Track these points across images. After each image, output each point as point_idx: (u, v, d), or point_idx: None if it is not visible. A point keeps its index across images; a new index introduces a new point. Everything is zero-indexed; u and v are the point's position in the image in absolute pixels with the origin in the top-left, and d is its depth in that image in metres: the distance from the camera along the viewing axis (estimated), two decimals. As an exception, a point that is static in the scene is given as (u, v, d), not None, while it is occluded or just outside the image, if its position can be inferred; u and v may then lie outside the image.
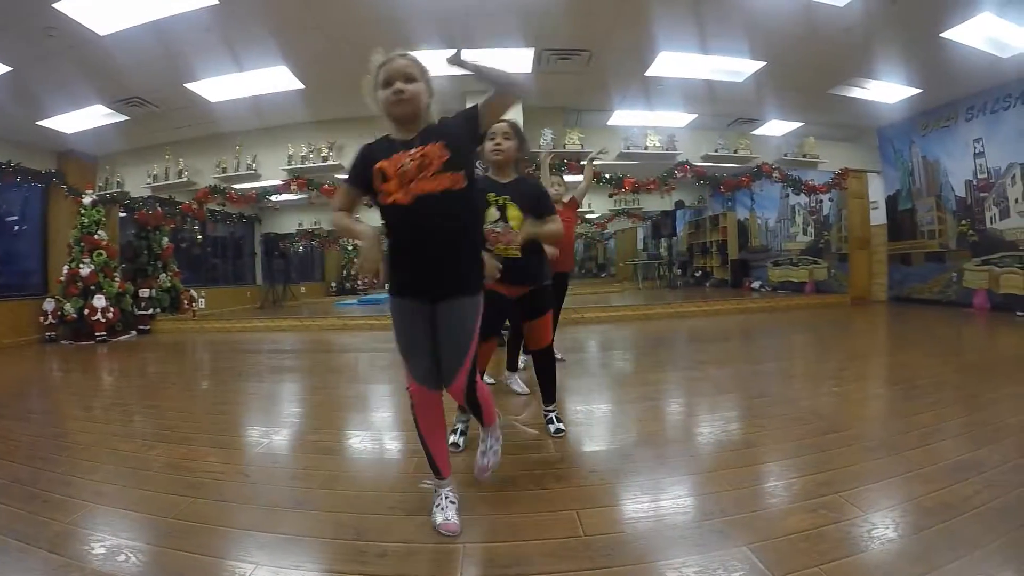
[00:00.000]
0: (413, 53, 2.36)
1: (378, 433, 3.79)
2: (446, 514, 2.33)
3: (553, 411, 3.64)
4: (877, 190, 12.31)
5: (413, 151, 2.21)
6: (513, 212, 3.11)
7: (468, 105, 2.39)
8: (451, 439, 2.60)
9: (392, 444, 3.53)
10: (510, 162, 3.17)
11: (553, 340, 3.83)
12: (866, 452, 2.99)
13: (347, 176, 2.38)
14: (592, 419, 3.94)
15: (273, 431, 3.90)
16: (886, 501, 2.39)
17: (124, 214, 12.09)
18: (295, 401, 4.96)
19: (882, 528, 2.16)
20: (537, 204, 3.10)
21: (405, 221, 2.22)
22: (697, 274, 19.70)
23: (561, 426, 3.54)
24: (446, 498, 2.40)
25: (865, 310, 10.91)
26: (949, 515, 2.22)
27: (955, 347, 6.53)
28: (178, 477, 2.95)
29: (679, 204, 18.02)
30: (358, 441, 3.59)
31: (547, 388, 3.67)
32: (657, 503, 2.50)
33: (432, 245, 2.24)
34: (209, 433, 3.83)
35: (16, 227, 11.18)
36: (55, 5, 5.90)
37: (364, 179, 2.28)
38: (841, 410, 3.84)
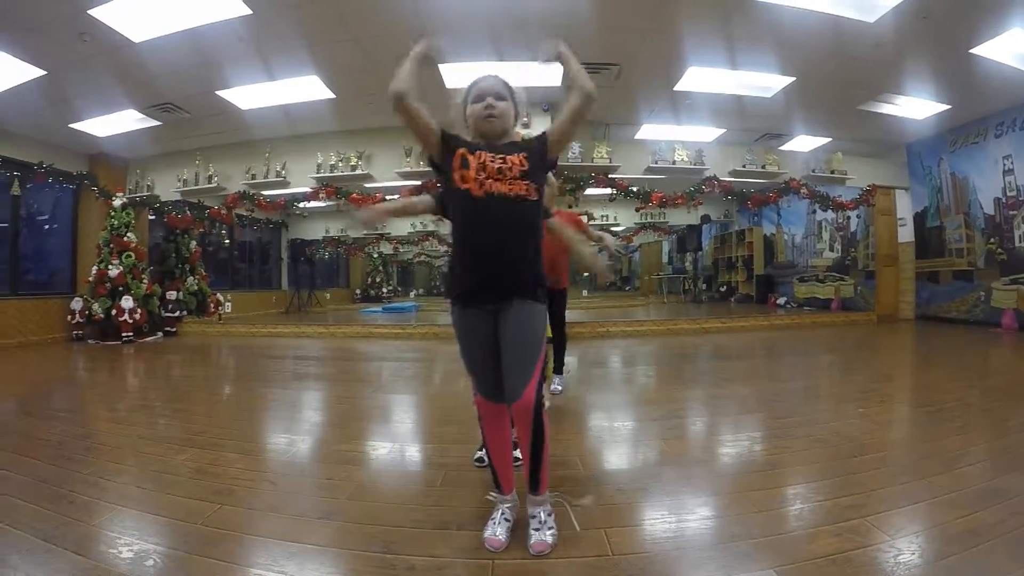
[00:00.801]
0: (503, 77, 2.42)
1: (403, 444, 3.80)
2: (495, 530, 2.34)
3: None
4: (905, 207, 12.19)
5: (496, 156, 2.25)
6: None
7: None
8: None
9: (418, 456, 3.54)
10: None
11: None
12: (892, 476, 2.96)
13: (441, 127, 2.38)
14: (618, 436, 3.93)
15: (298, 439, 3.94)
16: (912, 527, 2.36)
17: (153, 217, 12.24)
18: (320, 409, 4.98)
19: (907, 554, 2.14)
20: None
21: (475, 214, 2.23)
22: (722, 289, 19.55)
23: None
24: (502, 514, 2.41)
25: (892, 328, 10.78)
26: (973, 542, 2.20)
27: (982, 368, 6.44)
28: (206, 483, 2.98)
29: (705, 218, 17.94)
30: (384, 452, 3.60)
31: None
32: (683, 523, 2.49)
33: (499, 244, 2.24)
34: (235, 439, 3.85)
35: (47, 226, 11.35)
36: (90, 11, 6.01)
37: (448, 145, 2.32)
38: (867, 432, 3.79)
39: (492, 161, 2.23)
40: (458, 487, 2.93)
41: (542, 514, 2.36)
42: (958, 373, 6.08)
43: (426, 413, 4.77)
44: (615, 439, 3.87)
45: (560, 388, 5.20)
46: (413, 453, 3.64)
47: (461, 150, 2.26)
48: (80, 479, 3.02)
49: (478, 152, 2.25)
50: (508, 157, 2.24)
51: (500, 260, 2.25)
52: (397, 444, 3.78)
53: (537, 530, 2.32)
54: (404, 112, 2.26)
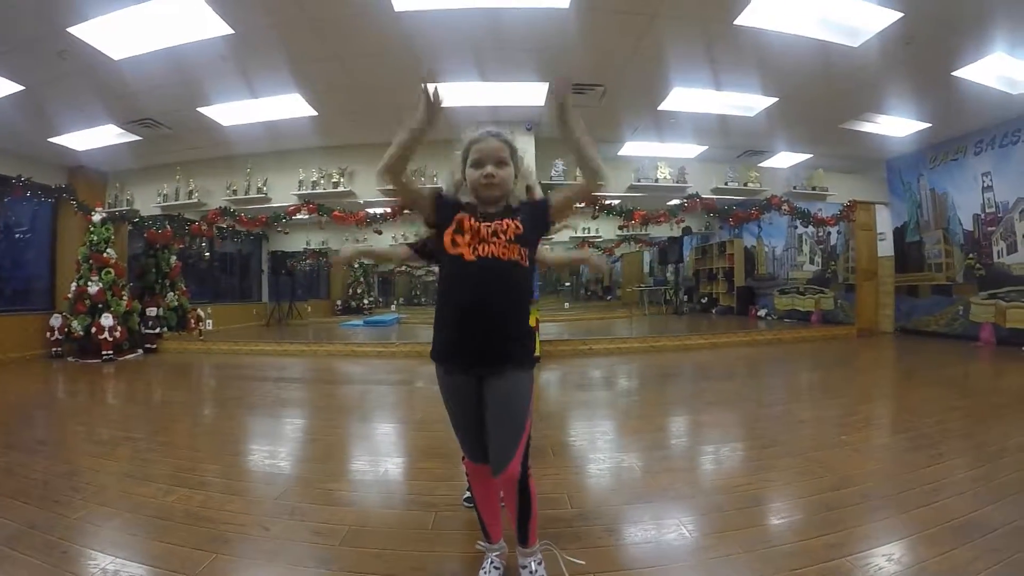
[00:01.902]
0: (506, 134, 2.34)
1: (392, 482, 3.81)
2: None
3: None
4: (885, 222, 12.35)
5: (491, 223, 2.23)
6: None
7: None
8: None
9: (411, 496, 3.50)
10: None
11: None
12: (873, 511, 3.00)
13: (435, 191, 2.36)
14: (604, 469, 3.93)
15: (287, 476, 3.91)
16: (892, 567, 2.39)
17: (132, 228, 12.11)
18: (308, 442, 4.92)
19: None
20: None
21: (464, 276, 2.20)
22: (703, 300, 19.63)
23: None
24: (491, 563, 2.44)
25: (872, 343, 10.90)
26: None
27: (962, 387, 6.50)
28: (199, 528, 2.94)
29: (687, 230, 18.04)
30: (374, 491, 3.58)
31: None
32: (670, 566, 2.51)
33: (485, 308, 2.18)
34: (225, 478, 3.81)
35: (25, 241, 11.22)
36: (69, 29, 5.95)
37: (446, 210, 2.28)
38: (849, 462, 3.82)
39: (488, 227, 2.21)
40: (449, 529, 2.93)
41: (532, 564, 2.38)
42: (938, 393, 6.14)
43: (412, 444, 4.75)
44: (601, 472, 3.87)
45: None
46: (402, 492, 3.62)
47: (459, 216, 2.24)
48: (70, 525, 2.98)
49: (473, 219, 2.23)
50: (505, 220, 2.23)
51: (486, 328, 2.21)
52: (386, 482, 3.77)
53: None
54: (393, 187, 2.22)
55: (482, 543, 2.53)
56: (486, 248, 2.18)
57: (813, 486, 3.39)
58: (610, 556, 2.62)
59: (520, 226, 2.24)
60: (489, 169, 2.26)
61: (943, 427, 4.59)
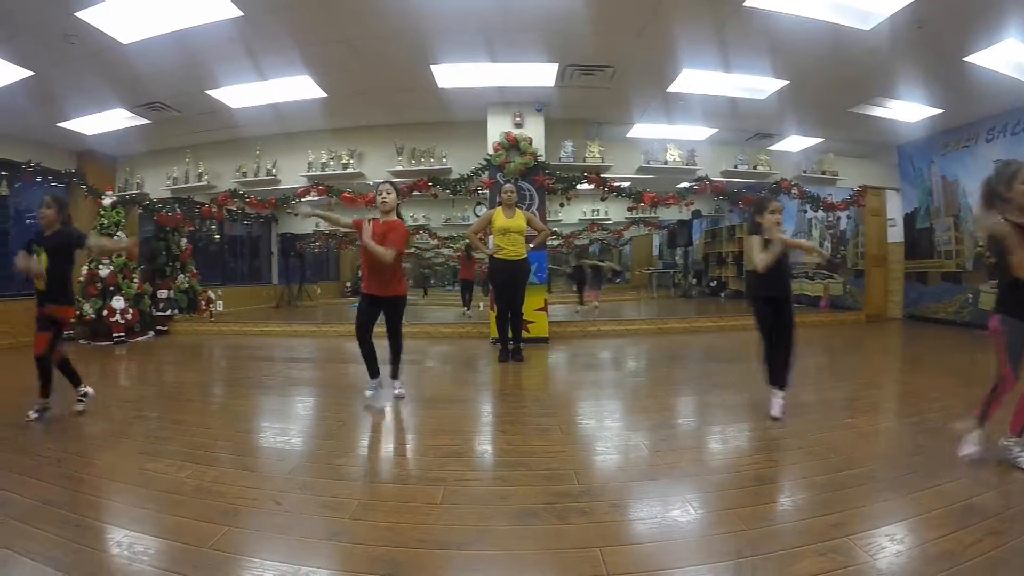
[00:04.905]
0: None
1: (401, 458, 3.85)
2: None
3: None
4: (895, 207, 12.29)
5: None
6: None
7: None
8: None
9: (420, 471, 3.54)
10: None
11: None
12: (876, 492, 3.01)
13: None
14: (611, 447, 3.96)
15: (298, 452, 3.95)
16: (894, 547, 2.41)
17: (141, 211, 12.15)
18: (318, 419, 4.98)
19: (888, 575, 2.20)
20: None
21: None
22: (712, 284, 19.53)
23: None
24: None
25: (880, 329, 10.89)
26: (951, 563, 2.25)
27: (968, 374, 6.45)
28: (211, 503, 2.97)
29: (696, 213, 17.93)
30: (384, 467, 3.66)
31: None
32: (675, 542, 2.53)
33: None
34: (236, 454, 3.86)
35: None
36: (77, 14, 5.95)
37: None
38: (854, 445, 3.84)
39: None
40: (458, 504, 2.95)
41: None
42: (944, 380, 6.14)
43: (421, 421, 4.79)
44: (608, 451, 3.89)
45: (403, 391, 5.45)
46: (412, 467, 3.66)
47: None
48: (85, 501, 3.02)
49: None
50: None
51: None
52: (395, 457, 3.83)
53: None
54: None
55: None
56: None
57: (818, 467, 3.40)
58: (615, 531, 2.64)
59: None
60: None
61: (948, 412, 4.56)
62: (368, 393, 5.35)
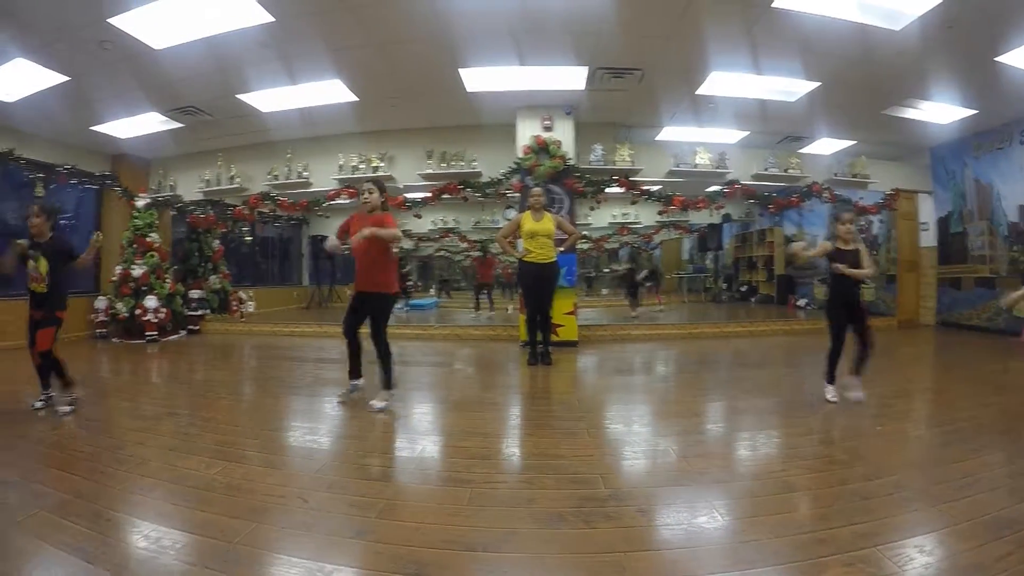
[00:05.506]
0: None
1: (429, 459, 3.84)
2: None
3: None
4: (928, 211, 12.06)
5: None
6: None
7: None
8: None
9: (447, 473, 3.55)
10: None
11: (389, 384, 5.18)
12: (905, 502, 2.96)
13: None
14: (639, 452, 3.95)
15: (327, 451, 4.00)
16: (922, 558, 2.37)
17: (174, 213, 12.34)
18: (345, 419, 4.97)
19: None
20: None
21: None
22: (743, 289, 19.26)
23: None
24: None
25: (912, 335, 10.72)
26: None
27: (1000, 383, 6.34)
28: (239, 499, 3.02)
29: (726, 217, 17.79)
30: (411, 467, 3.66)
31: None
32: (700, 549, 2.51)
33: None
34: (264, 451, 3.91)
35: (70, 227, 11.49)
36: (110, 20, 6.09)
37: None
38: (883, 453, 3.79)
39: None
40: (485, 506, 2.96)
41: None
42: (976, 388, 6.04)
43: (450, 423, 4.80)
44: (636, 455, 3.88)
45: (382, 406, 5.03)
46: (439, 468, 3.66)
47: None
48: (115, 495, 3.07)
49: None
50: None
51: None
52: (423, 458, 3.82)
53: None
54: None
55: None
56: None
57: (846, 475, 3.36)
58: (641, 537, 2.64)
59: None
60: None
61: (978, 423, 4.50)
62: (340, 395, 5.43)
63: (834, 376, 5.28)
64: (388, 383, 5.17)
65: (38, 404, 4.87)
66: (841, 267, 4.98)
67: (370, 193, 5.12)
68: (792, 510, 2.93)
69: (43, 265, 4.90)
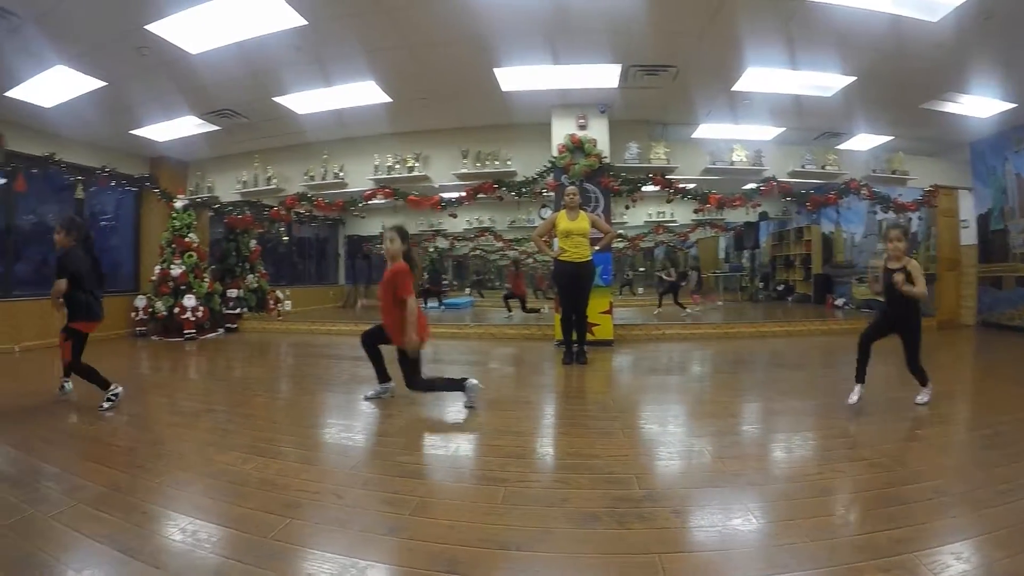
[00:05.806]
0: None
1: (463, 457, 3.86)
2: None
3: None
4: (968, 208, 11.80)
5: None
6: None
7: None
8: None
9: (481, 471, 3.55)
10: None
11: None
12: (944, 507, 2.90)
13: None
14: (674, 452, 3.92)
15: (362, 448, 4.05)
16: (959, 565, 2.31)
17: (212, 214, 12.53)
18: (381, 417, 4.99)
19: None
20: None
21: None
22: (780, 288, 19.02)
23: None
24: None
25: (952, 336, 10.50)
26: None
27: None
28: (274, 495, 3.05)
29: (763, 215, 17.61)
30: (445, 465, 3.68)
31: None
32: (735, 551, 2.48)
33: None
34: (300, 448, 3.95)
35: (110, 228, 11.74)
36: (147, 27, 6.23)
37: None
38: (922, 457, 3.71)
39: None
40: (518, 504, 2.96)
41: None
42: (1018, 391, 5.90)
43: (484, 422, 4.76)
44: (671, 456, 3.84)
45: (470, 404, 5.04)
46: (473, 467, 3.67)
47: None
48: (152, 488, 3.13)
49: None
50: None
51: None
52: (457, 456, 3.84)
53: None
54: None
55: None
56: None
57: (884, 479, 3.29)
58: (675, 538, 2.61)
59: None
60: None
61: (1020, 426, 4.40)
62: (369, 394, 5.48)
63: (863, 376, 5.27)
64: (456, 388, 5.09)
65: (105, 404, 4.95)
66: (900, 281, 5.03)
67: (391, 242, 5.01)
68: (828, 514, 2.89)
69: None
